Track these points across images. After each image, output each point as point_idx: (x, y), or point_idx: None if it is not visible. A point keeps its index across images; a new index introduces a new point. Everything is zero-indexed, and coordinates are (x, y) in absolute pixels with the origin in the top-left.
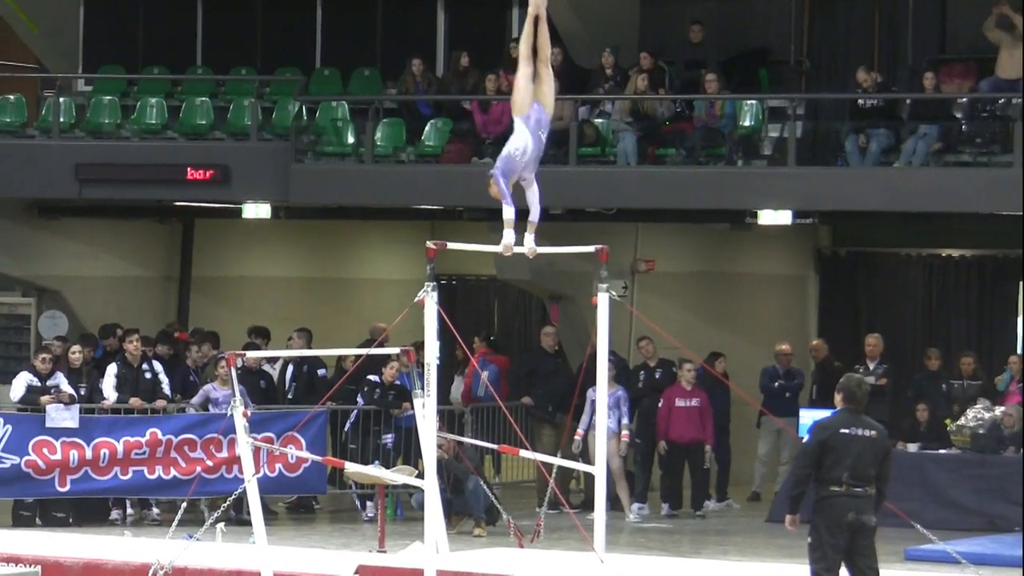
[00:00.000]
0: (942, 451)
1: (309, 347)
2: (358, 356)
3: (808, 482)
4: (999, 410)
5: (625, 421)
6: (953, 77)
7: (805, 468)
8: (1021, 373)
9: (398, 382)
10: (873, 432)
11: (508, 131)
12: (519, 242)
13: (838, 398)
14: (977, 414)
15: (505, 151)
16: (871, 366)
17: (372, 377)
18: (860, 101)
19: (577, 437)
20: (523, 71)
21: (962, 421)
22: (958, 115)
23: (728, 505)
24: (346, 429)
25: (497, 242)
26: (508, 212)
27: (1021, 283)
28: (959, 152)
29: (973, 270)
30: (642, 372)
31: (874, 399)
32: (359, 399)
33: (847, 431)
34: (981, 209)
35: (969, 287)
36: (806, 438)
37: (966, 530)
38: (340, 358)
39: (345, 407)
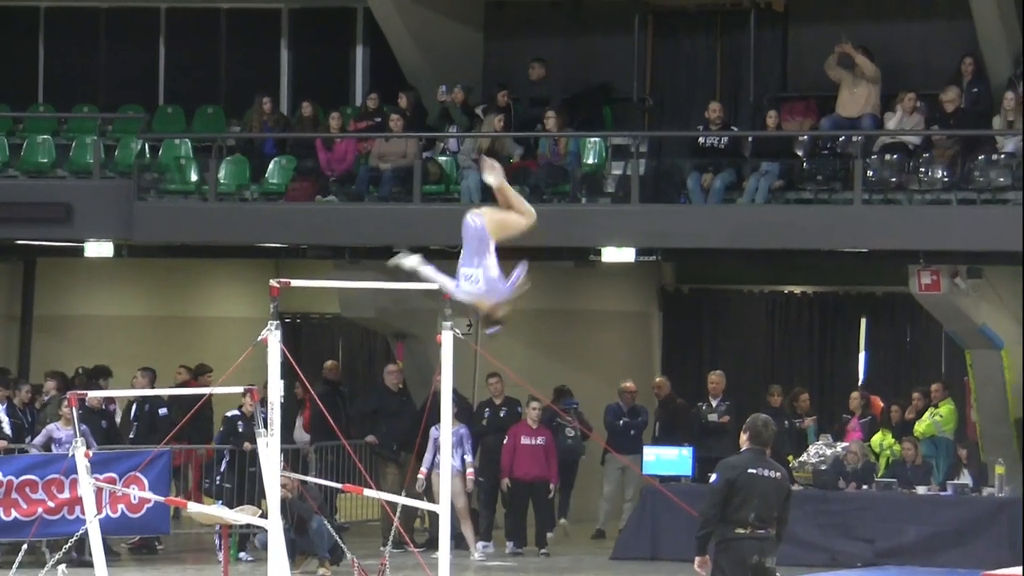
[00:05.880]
0: None
1: (152, 386)
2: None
3: (716, 522)
4: (841, 446)
5: (468, 459)
6: (795, 115)
7: (714, 508)
8: (861, 409)
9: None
10: (777, 473)
11: (352, 169)
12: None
13: (743, 438)
14: (819, 450)
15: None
16: (714, 403)
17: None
18: (701, 139)
19: (421, 476)
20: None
21: (804, 457)
22: (799, 153)
23: (563, 530)
24: (222, 469)
25: (340, 279)
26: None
27: (863, 319)
28: (800, 190)
29: (815, 306)
30: (486, 409)
31: (716, 436)
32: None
33: (754, 471)
34: (822, 246)
35: (811, 323)
36: (713, 477)
37: (808, 566)
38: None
39: (188, 447)
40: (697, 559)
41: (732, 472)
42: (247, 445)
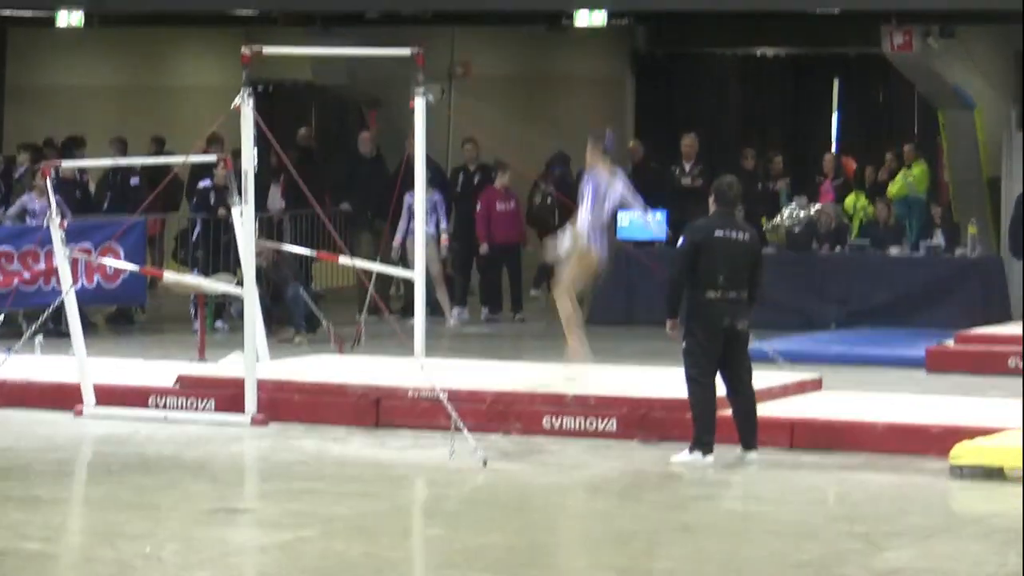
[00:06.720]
0: None
1: (124, 156)
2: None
3: (683, 285)
4: (814, 208)
5: (443, 225)
6: None
7: (681, 271)
8: (834, 170)
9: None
10: (746, 235)
11: None
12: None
13: (711, 200)
14: (792, 212)
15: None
16: (687, 166)
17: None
18: None
19: (396, 243)
20: None
21: (777, 220)
22: None
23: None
24: (195, 239)
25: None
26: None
27: (835, 80)
28: None
29: (788, 68)
30: (460, 174)
31: (690, 199)
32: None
33: (721, 233)
34: (794, 7)
35: (784, 85)
36: (680, 240)
37: (782, 329)
38: None
39: (162, 215)
40: (668, 322)
41: (698, 234)
42: (221, 211)
